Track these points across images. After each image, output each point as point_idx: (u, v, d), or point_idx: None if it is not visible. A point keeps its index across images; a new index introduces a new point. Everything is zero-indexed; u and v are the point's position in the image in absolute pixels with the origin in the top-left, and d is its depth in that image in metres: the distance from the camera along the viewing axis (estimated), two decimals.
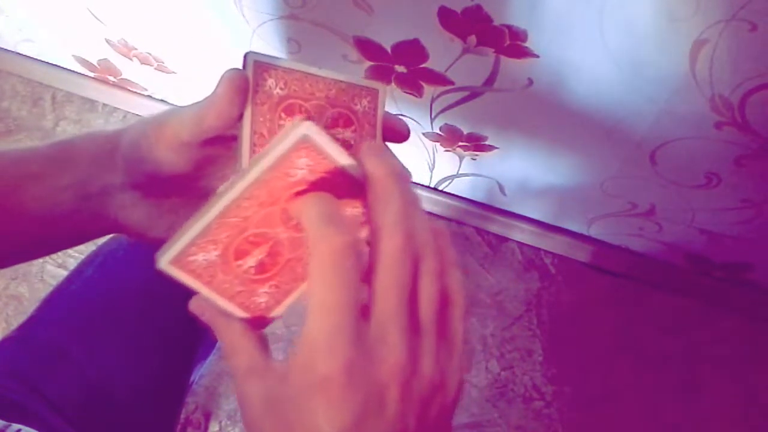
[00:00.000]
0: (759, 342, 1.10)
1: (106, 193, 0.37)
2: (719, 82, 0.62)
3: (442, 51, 0.73)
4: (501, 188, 1.05)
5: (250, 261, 0.31)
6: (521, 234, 1.16)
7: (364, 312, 0.27)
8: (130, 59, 1.09)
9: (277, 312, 0.34)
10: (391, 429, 0.26)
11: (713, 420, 1.06)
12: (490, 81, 0.75)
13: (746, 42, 0.56)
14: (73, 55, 1.18)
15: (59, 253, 1.22)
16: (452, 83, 0.79)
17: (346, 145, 0.36)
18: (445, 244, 0.30)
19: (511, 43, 0.68)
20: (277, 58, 0.34)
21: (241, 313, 0.32)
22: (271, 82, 0.33)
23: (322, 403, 0.25)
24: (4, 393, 0.54)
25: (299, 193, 0.29)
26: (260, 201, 0.29)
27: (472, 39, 0.69)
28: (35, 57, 1.27)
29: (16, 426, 0.49)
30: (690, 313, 1.12)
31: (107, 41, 1.05)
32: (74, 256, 1.21)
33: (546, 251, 1.18)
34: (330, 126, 0.35)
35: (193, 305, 0.32)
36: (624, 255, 1.10)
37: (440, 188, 1.14)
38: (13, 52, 1.27)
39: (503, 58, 0.71)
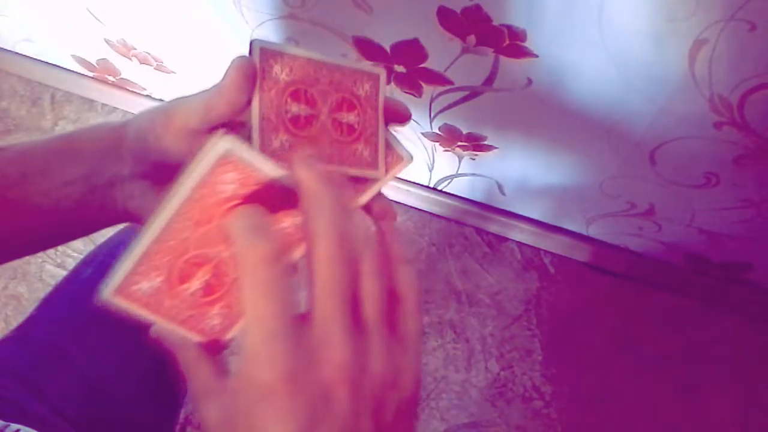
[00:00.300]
0: (759, 342, 1.10)
1: (113, 185, 0.37)
2: (718, 82, 0.62)
3: (441, 51, 0.73)
4: (500, 188, 1.05)
5: (196, 284, 0.31)
6: (520, 234, 1.16)
7: (305, 319, 0.27)
8: (129, 59, 1.09)
9: (232, 333, 0.33)
10: (345, 428, 0.26)
11: (713, 420, 1.06)
12: (489, 81, 0.75)
13: (745, 42, 0.56)
14: (72, 55, 1.18)
15: (58, 253, 1.22)
16: (451, 83, 0.79)
17: (351, 129, 0.37)
18: (390, 242, 0.31)
19: (510, 42, 0.68)
20: (282, 44, 0.34)
21: (196, 338, 0.32)
22: (277, 68, 0.34)
23: (270, 413, 0.25)
24: (3, 393, 0.54)
25: (233, 209, 0.29)
26: (195, 220, 0.29)
27: (472, 39, 0.69)
28: (34, 57, 1.27)
29: (15, 426, 0.49)
30: (689, 313, 1.12)
31: (106, 41, 1.05)
32: (73, 255, 1.21)
33: (545, 251, 1.18)
34: (334, 110, 0.36)
35: (154, 332, 0.32)
36: (623, 255, 1.10)
37: (439, 188, 1.14)
38: (12, 51, 1.27)
39: (502, 58, 0.71)
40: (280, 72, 0.34)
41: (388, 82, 0.84)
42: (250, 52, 0.33)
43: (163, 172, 0.36)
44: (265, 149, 0.33)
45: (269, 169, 0.29)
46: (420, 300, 0.31)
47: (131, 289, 0.29)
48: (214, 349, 0.33)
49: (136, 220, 0.39)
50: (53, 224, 0.38)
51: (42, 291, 1.19)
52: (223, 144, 0.27)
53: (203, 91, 0.34)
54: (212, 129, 0.34)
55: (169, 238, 0.29)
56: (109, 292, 0.29)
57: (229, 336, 0.33)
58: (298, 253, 0.32)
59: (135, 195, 0.38)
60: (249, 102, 0.33)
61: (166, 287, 0.30)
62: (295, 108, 0.35)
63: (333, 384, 0.26)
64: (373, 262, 0.29)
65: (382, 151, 0.38)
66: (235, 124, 0.35)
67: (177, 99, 0.35)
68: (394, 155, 0.39)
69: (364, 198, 0.39)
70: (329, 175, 0.29)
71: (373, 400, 0.27)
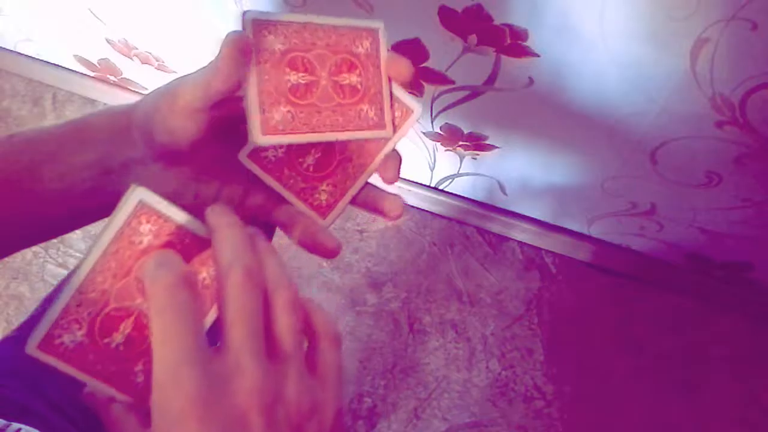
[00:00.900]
0: (759, 341, 1.10)
1: (126, 168, 0.37)
2: (720, 81, 0.62)
3: (442, 50, 0.73)
4: (502, 188, 1.05)
5: (118, 338, 0.30)
6: (522, 233, 1.16)
7: (218, 349, 0.27)
8: (131, 59, 1.09)
9: None
10: None
11: (713, 419, 1.06)
12: (490, 80, 0.75)
13: (747, 41, 0.56)
14: (73, 55, 1.18)
15: (60, 253, 1.22)
16: (453, 82, 0.79)
17: (353, 90, 0.35)
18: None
19: (511, 42, 0.68)
20: (274, 13, 0.33)
21: (121, 397, 0.31)
22: (271, 38, 0.33)
23: None
24: (5, 392, 0.54)
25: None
26: (113, 273, 0.29)
27: (473, 38, 0.69)
28: (36, 56, 1.27)
29: (16, 425, 0.49)
30: (690, 313, 1.12)
31: (108, 41, 1.05)
32: (75, 255, 1.21)
33: (546, 251, 1.18)
34: (334, 73, 0.35)
35: (87, 390, 0.32)
36: (624, 254, 1.10)
37: (441, 188, 1.14)
38: (13, 51, 1.27)
39: (504, 58, 0.71)
40: (275, 42, 0.33)
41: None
42: (243, 26, 0.33)
43: (173, 154, 0.36)
44: (266, 124, 0.33)
45: (181, 219, 0.30)
46: (339, 340, 0.32)
47: (54, 344, 0.29)
48: (140, 407, 0.32)
49: None
50: (68, 209, 0.38)
51: (44, 291, 1.20)
52: (136, 195, 0.28)
53: (201, 69, 0.33)
54: (214, 105, 0.34)
55: (89, 291, 0.29)
56: (32, 346, 0.29)
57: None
58: (212, 305, 0.32)
59: (149, 177, 0.38)
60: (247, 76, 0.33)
61: (88, 341, 0.30)
62: (294, 77, 0.34)
63: (247, 410, 0.26)
64: (286, 299, 0.29)
65: (388, 109, 0.37)
66: (237, 100, 0.35)
67: (179, 78, 0.35)
68: (401, 108, 0.38)
69: (378, 159, 0.38)
70: (238, 220, 0.30)
71: (289, 427, 0.27)
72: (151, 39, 1.00)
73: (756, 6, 0.53)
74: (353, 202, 0.40)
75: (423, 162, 1.06)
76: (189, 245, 0.31)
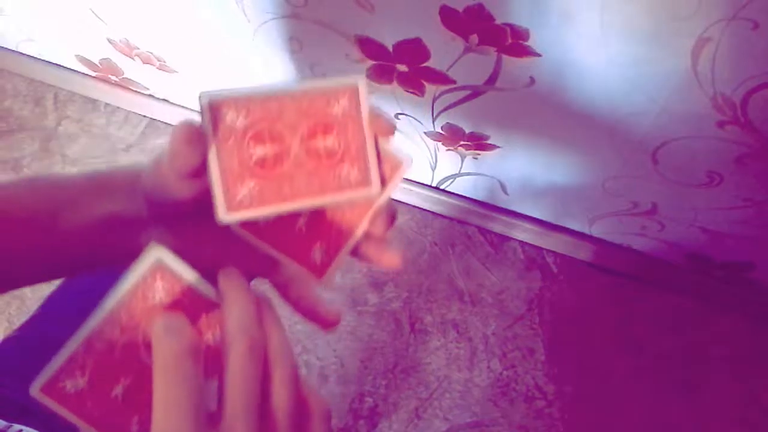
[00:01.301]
0: (760, 341, 1.10)
1: (138, 225, 0.38)
2: (721, 81, 0.62)
3: (443, 50, 0.73)
4: (503, 187, 1.05)
5: (118, 389, 0.31)
6: (523, 233, 1.16)
7: (215, 417, 0.28)
8: (132, 59, 1.09)
9: None
10: None
11: (714, 419, 1.06)
12: (491, 80, 0.75)
13: (748, 40, 0.56)
14: (75, 55, 1.18)
15: None
16: (454, 82, 0.79)
17: (331, 152, 0.35)
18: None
19: (512, 41, 0.68)
20: (234, 89, 0.33)
21: None
22: (231, 115, 0.33)
23: None
24: (7, 392, 0.54)
25: (156, 316, 0.30)
26: (122, 326, 0.30)
27: (474, 38, 0.69)
28: (37, 56, 1.27)
29: (17, 426, 0.49)
30: (691, 313, 1.12)
31: (109, 41, 1.05)
32: None
33: (548, 250, 1.18)
34: (307, 138, 0.34)
35: None
36: (626, 254, 1.10)
37: (442, 187, 1.14)
38: (15, 51, 1.27)
39: (505, 57, 0.71)
40: (236, 118, 0.33)
41: (390, 81, 0.84)
42: (200, 108, 0.32)
43: (171, 216, 0.37)
44: (231, 201, 0.33)
45: (194, 281, 0.31)
46: (329, 419, 0.33)
47: (57, 386, 0.30)
48: None
49: None
50: (80, 256, 0.39)
51: (45, 290, 1.19)
52: (154, 253, 0.30)
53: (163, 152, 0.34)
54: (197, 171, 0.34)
55: (97, 340, 0.30)
56: (35, 388, 0.30)
57: None
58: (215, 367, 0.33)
59: (155, 239, 0.39)
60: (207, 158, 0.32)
61: (89, 388, 0.31)
62: (259, 150, 0.33)
63: None
64: (285, 372, 0.30)
65: (374, 165, 0.36)
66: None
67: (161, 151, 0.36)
68: (390, 162, 0.36)
69: (369, 216, 0.37)
70: (249, 287, 0.31)
71: None
72: (152, 39, 1.00)
73: (757, 5, 0.53)
74: (353, 254, 0.39)
75: (424, 162, 1.06)
76: (199, 306, 0.32)
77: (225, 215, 0.33)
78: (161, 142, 1.32)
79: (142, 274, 0.30)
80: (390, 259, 0.39)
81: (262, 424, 0.29)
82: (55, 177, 0.39)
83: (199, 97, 0.32)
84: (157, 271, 0.30)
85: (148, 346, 0.31)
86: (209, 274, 0.32)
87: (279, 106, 0.34)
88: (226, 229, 0.37)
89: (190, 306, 0.31)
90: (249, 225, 0.36)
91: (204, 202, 0.35)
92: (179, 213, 0.37)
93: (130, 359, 0.31)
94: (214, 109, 0.32)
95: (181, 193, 0.35)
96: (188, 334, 0.29)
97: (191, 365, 0.28)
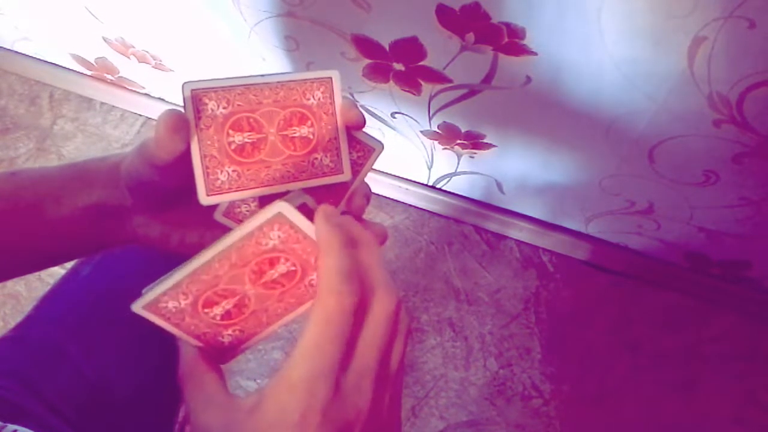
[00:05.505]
0: (757, 340, 1.10)
1: (120, 213, 0.39)
2: (717, 80, 0.62)
3: (440, 49, 0.73)
4: (499, 186, 1.05)
5: (217, 310, 0.33)
6: (519, 232, 1.16)
7: (343, 367, 0.30)
8: (128, 57, 1.09)
9: (237, 352, 0.36)
10: None
11: (712, 418, 1.06)
12: (488, 79, 0.75)
13: (745, 39, 0.56)
14: (70, 54, 1.18)
15: None
16: (450, 81, 0.79)
17: (305, 141, 0.37)
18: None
19: (509, 40, 0.67)
20: (215, 79, 0.35)
21: (201, 345, 0.34)
22: (212, 104, 0.35)
23: None
24: (1, 393, 0.54)
25: (269, 260, 0.33)
26: (231, 263, 0.32)
27: (471, 36, 0.69)
28: (32, 55, 1.27)
29: (12, 426, 0.49)
30: (688, 311, 1.12)
31: (105, 39, 1.05)
32: None
33: (544, 249, 1.18)
34: (283, 127, 0.37)
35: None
36: (622, 253, 1.10)
37: (438, 186, 1.14)
38: (10, 50, 1.27)
39: (501, 56, 0.71)
40: (216, 107, 0.35)
41: (386, 80, 0.83)
42: (183, 97, 0.35)
43: (154, 203, 0.39)
44: (211, 185, 0.35)
45: (311, 233, 0.32)
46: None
47: (158, 306, 0.32)
48: (217, 358, 0.35)
49: (145, 243, 0.41)
50: (67, 246, 0.40)
51: (40, 290, 1.19)
52: (277, 207, 0.31)
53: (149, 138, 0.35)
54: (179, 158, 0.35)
55: (204, 274, 0.32)
56: (138, 306, 0.32)
57: (233, 353, 0.36)
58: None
59: (140, 223, 0.40)
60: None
61: (190, 309, 0.33)
62: (238, 138, 0.36)
63: (353, 425, 0.29)
64: (408, 326, 0.33)
65: (345, 153, 0.39)
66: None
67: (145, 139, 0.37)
68: (363, 149, 0.40)
69: (344, 201, 0.40)
70: (345, 222, 0.33)
71: None
72: (148, 37, 0.99)
73: (753, 4, 0.53)
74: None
75: (420, 160, 1.06)
76: (310, 254, 0.33)
77: (205, 198, 0.35)
78: None
79: (261, 224, 0.31)
80: (376, 229, 0.40)
81: (379, 375, 0.31)
82: (36, 170, 0.40)
83: (182, 87, 0.34)
84: (276, 222, 0.31)
85: (254, 281, 0.33)
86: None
87: (258, 96, 0.36)
88: (209, 214, 0.39)
89: (302, 253, 0.33)
90: (233, 215, 0.40)
91: (186, 187, 0.36)
92: (163, 199, 0.38)
93: (233, 290, 0.33)
94: (196, 98, 0.35)
95: (165, 179, 0.36)
96: (358, 289, 0.30)
97: (349, 325, 0.29)
